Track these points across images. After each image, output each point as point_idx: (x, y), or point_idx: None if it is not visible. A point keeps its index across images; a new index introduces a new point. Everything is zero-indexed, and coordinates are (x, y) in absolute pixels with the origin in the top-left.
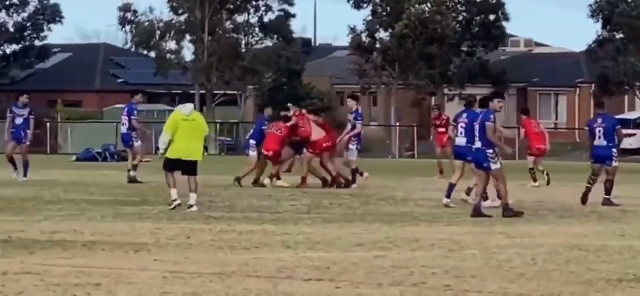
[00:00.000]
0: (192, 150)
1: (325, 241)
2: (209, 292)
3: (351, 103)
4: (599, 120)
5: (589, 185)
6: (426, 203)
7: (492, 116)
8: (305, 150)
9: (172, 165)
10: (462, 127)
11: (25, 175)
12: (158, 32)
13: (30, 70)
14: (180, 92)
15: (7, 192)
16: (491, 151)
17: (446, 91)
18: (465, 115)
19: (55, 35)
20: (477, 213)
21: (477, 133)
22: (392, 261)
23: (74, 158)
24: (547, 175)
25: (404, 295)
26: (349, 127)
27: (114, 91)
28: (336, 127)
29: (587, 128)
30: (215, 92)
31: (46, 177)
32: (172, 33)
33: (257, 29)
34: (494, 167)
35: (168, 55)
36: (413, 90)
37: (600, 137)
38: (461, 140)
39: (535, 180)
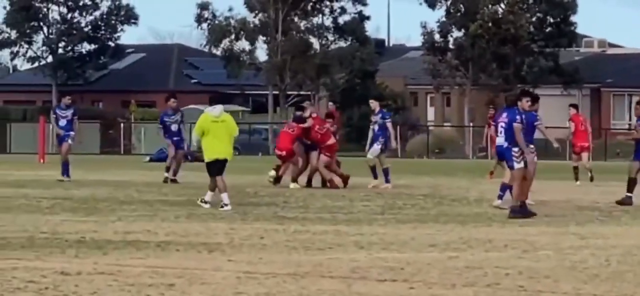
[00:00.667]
0: (224, 150)
1: (398, 241)
2: (283, 292)
3: (374, 105)
4: None
5: None
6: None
7: (518, 116)
8: (319, 153)
9: (215, 169)
10: (501, 127)
11: (66, 174)
12: (232, 32)
13: (103, 71)
14: (253, 92)
15: (81, 192)
16: (516, 150)
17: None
18: (504, 115)
19: (129, 35)
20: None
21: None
22: (465, 262)
23: (147, 158)
24: (591, 172)
25: (477, 295)
26: (376, 128)
27: (188, 91)
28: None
29: None
30: (288, 92)
31: (120, 177)
32: (246, 33)
33: (331, 31)
34: (516, 165)
35: (241, 56)
36: (486, 90)
37: None
38: (500, 140)
39: (577, 179)
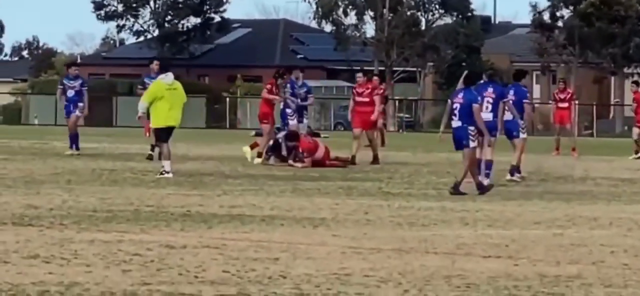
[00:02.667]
0: (175, 116)
1: (503, 218)
2: (387, 268)
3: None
4: None
5: None
6: (605, 182)
7: (479, 98)
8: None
9: (165, 135)
10: (456, 107)
11: (74, 146)
12: (341, 6)
13: (209, 45)
14: (359, 68)
15: (187, 166)
16: (472, 128)
17: (626, 70)
18: (461, 95)
19: (235, 9)
20: (456, 190)
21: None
22: (570, 239)
23: (253, 133)
24: None
25: (582, 273)
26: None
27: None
28: None
29: None
30: (395, 68)
31: (225, 151)
32: (353, 8)
33: (437, 6)
34: (472, 144)
35: (348, 31)
36: (593, 69)
37: None
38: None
39: (637, 152)
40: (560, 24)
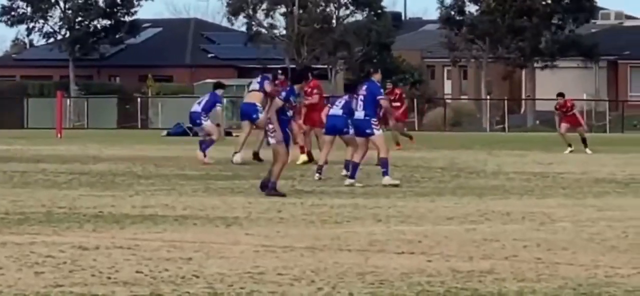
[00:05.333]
0: None
1: (416, 214)
2: (300, 266)
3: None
4: None
5: None
6: (517, 177)
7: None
8: None
9: None
10: (361, 100)
11: None
12: (251, 4)
13: (120, 46)
14: (270, 66)
15: (99, 167)
16: (375, 120)
17: (536, 64)
18: (365, 87)
19: (145, 10)
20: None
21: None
22: (483, 235)
23: (165, 133)
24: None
25: (495, 268)
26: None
27: (205, 66)
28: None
29: None
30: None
31: (137, 152)
32: (264, 5)
33: (348, 2)
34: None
35: (259, 28)
36: (503, 64)
37: None
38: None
39: (570, 145)
40: (468, 19)
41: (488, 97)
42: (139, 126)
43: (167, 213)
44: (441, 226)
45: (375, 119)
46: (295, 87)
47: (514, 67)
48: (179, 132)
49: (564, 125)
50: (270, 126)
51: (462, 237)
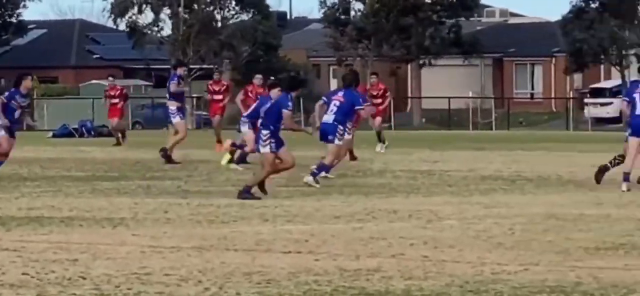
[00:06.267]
0: None
1: (303, 213)
2: (187, 266)
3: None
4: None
5: (611, 164)
6: (403, 174)
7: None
8: None
9: None
10: (335, 105)
11: None
12: (136, 4)
13: (5, 47)
14: (156, 67)
15: None
16: (341, 128)
17: (421, 62)
18: (341, 93)
19: (31, 11)
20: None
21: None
22: (370, 233)
23: (50, 134)
24: None
25: (382, 266)
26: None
27: (90, 67)
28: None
29: (625, 97)
30: (192, 66)
31: (23, 153)
32: (149, 6)
33: (233, 3)
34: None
35: (144, 29)
36: (389, 61)
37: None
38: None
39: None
40: (352, 18)
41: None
42: (25, 128)
43: (53, 215)
44: (328, 225)
45: (342, 128)
46: (292, 94)
47: (399, 65)
48: (64, 133)
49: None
50: (265, 132)
51: (349, 236)
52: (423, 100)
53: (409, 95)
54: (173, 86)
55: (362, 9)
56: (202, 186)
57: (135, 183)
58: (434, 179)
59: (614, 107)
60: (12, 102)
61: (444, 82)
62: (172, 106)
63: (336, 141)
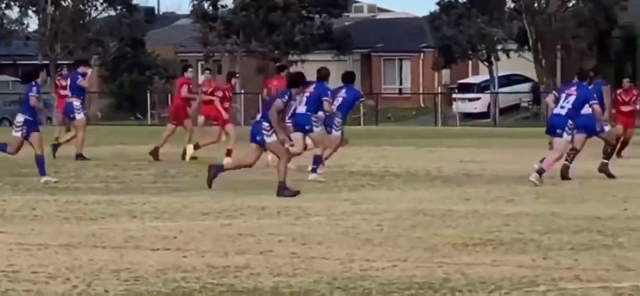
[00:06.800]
0: None
1: (171, 210)
2: (55, 263)
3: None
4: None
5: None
6: (272, 171)
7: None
8: None
9: None
10: (306, 96)
11: None
12: (3, 1)
13: None
14: (22, 62)
15: None
16: (315, 119)
17: (290, 57)
18: (313, 86)
19: None
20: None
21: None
22: (238, 229)
23: None
24: None
25: (250, 263)
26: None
27: None
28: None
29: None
30: (60, 62)
31: None
32: (16, 2)
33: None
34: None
35: (11, 25)
36: (257, 57)
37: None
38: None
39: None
40: (221, 14)
41: (243, 91)
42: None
43: None
44: (196, 221)
45: (316, 116)
46: (293, 90)
47: (268, 61)
48: None
49: None
50: (266, 124)
51: (217, 232)
52: None
53: None
54: (80, 82)
55: (231, 4)
56: (70, 182)
57: (3, 180)
58: (303, 175)
59: (482, 102)
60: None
61: (313, 78)
62: (77, 102)
63: (315, 128)
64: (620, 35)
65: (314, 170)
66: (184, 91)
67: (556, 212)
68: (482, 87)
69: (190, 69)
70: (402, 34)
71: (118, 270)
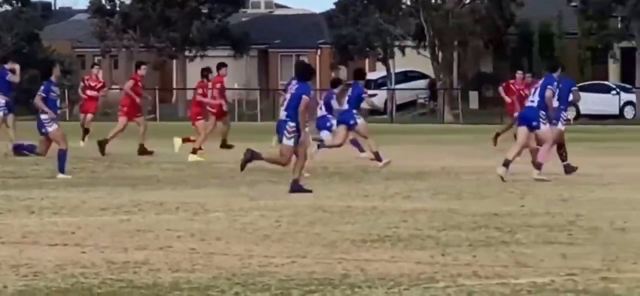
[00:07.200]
0: None
1: (69, 205)
2: None
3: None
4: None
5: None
6: (170, 166)
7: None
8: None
9: None
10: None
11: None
12: None
13: None
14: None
15: None
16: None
17: (187, 53)
18: (294, 83)
19: None
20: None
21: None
22: (137, 225)
23: None
24: None
25: (149, 259)
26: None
27: None
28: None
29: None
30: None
31: None
32: None
33: None
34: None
35: None
36: (155, 53)
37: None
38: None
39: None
40: (118, 8)
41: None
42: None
43: None
44: (95, 217)
45: (293, 124)
46: (309, 83)
47: (165, 57)
48: None
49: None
50: (292, 125)
51: (116, 228)
52: (188, 92)
53: (174, 87)
54: (10, 78)
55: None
56: None
57: None
58: (201, 171)
59: (379, 98)
60: (51, 93)
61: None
62: (2, 100)
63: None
64: (517, 32)
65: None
66: (128, 86)
67: (454, 209)
68: (378, 84)
69: (143, 66)
70: (299, 31)
71: (17, 266)
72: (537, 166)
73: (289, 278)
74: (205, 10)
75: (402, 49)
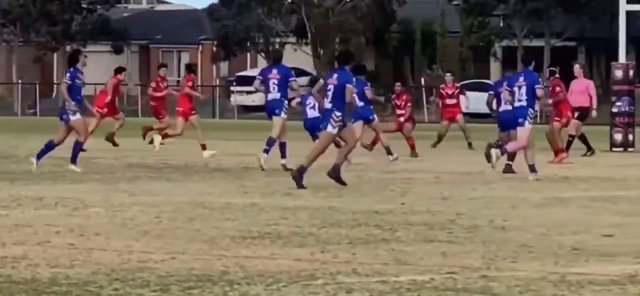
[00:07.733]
0: None
1: None
2: None
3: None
4: (521, 79)
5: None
6: (49, 162)
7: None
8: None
9: None
10: (274, 83)
11: None
12: None
13: None
14: None
15: None
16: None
17: (68, 48)
18: (275, 70)
19: None
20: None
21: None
22: (15, 220)
23: None
24: None
25: (27, 254)
26: None
27: None
28: None
29: (491, 91)
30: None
31: None
32: None
33: None
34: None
35: None
36: (34, 48)
37: (520, 99)
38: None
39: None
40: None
41: (20, 82)
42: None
43: None
44: None
45: (339, 113)
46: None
47: (45, 51)
48: None
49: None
50: (338, 114)
51: None
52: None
53: (55, 81)
54: None
55: None
56: None
57: None
58: (81, 166)
59: (260, 95)
60: (77, 80)
61: (92, 70)
62: None
63: (282, 113)
64: (399, 30)
65: (266, 151)
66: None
67: (334, 206)
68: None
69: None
70: (180, 26)
71: None
72: (506, 153)
73: (169, 275)
74: (85, 5)
75: (282, 45)
